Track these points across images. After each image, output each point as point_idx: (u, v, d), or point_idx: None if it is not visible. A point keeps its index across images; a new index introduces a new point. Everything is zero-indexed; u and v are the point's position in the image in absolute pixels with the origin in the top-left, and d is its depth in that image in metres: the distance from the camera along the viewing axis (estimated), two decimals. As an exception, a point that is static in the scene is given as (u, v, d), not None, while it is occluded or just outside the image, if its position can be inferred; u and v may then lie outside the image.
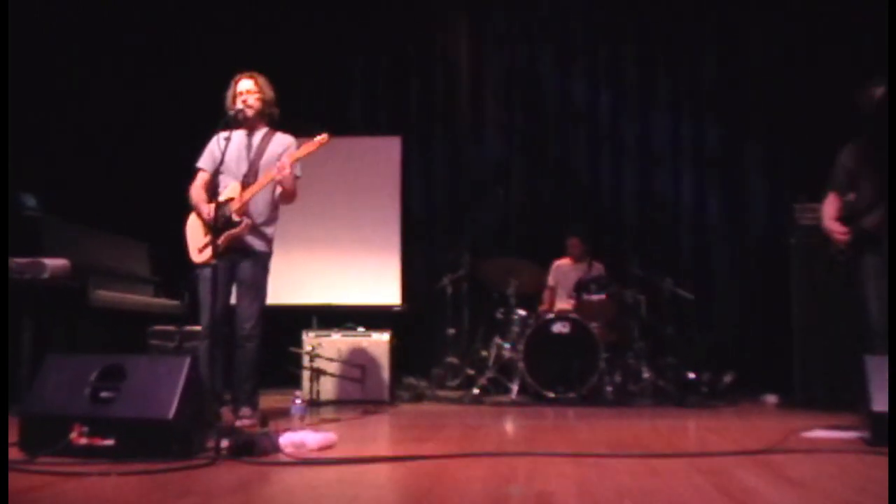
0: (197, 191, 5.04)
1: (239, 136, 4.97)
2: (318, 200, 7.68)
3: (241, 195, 4.87)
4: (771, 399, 6.80)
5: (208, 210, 4.80)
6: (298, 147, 5.01)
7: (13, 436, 3.51)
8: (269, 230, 5.06)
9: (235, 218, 4.84)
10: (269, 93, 5.09)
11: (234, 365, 4.93)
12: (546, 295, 7.65)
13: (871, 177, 4.83)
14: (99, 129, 7.33)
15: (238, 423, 4.64)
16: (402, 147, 8.14)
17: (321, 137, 4.87)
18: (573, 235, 7.59)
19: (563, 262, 7.66)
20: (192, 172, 5.12)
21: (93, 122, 7.28)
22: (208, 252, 4.69)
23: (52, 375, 3.62)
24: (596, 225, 8.11)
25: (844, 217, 4.94)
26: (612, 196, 8.54)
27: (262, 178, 4.90)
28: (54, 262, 5.47)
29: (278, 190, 5.00)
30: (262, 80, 5.08)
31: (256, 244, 4.98)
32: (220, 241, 4.77)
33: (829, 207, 5.02)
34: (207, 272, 4.67)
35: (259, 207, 4.98)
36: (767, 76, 8.26)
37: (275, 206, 5.09)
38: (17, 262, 5.44)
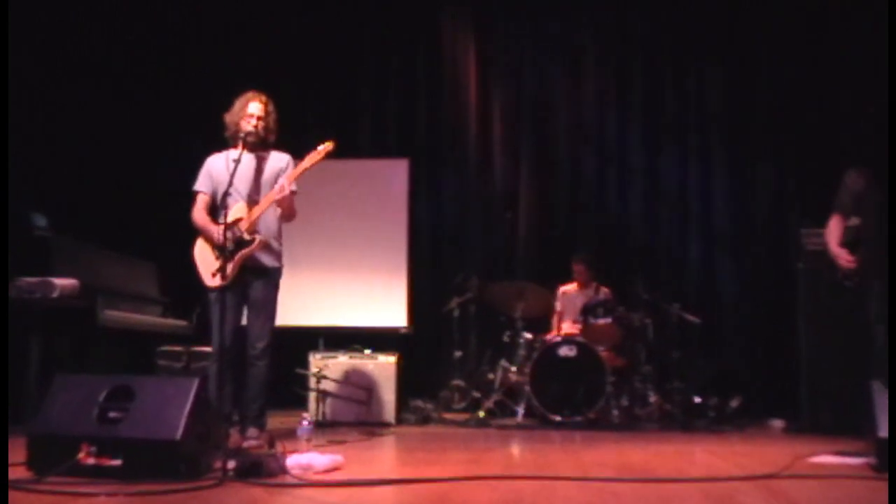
0: (200, 214, 5.05)
1: (233, 156, 4.98)
2: (325, 222, 7.71)
3: (249, 214, 4.90)
4: (777, 424, 6.78)
5: (217, 232, 4.72)
6: (295, 165, 5.06)
7: (22, 455, 3.52)
8: (277, 245, 5.09)
9: (247, 237, 4.86)
10: (274, 119, 5.13)
11: (245, 384, 4.94)
12: (553, 321, 7.63)
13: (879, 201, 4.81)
14: (110, 150, 7.37)
15: (245, 444, 4.65)
16: (410, 169, 8.15)
17: (325, 146, 4.91)
18: (579, 261, 7.58)
19: (570, 288, 7.66)
20: (191, 196, 5.13)
21: (104, 142, 7.33)
22: (228, 274, 4.64)
23: (60, 395, 3.63)
24: (603, 249, 8.10)
25: (849, 241, 4.93)
26: (619, 220, 8.54)
27: (267, 197, 4.93)
28: (63, 282, 5.50)
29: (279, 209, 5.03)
30: (270, 105, 5.12)
31: (268, 261, 5.01)
32: (235, 261, 4.81)
33: (834, 231, 5.01)
34: (223, 295, 4.68)
35: (268, 224, 5.02)
36: (774, 100, 8.28)
37: (280, 221, 5.14)
38: (26, 281, 5.47)
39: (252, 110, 5.03)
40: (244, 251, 4.86)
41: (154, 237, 7.22)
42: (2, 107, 5.85)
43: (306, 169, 4.91)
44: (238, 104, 5.08)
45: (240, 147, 4.93)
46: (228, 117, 5.07)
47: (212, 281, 4.88)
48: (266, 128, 5.07)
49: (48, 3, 6.86)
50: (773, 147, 8.28)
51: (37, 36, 6.75)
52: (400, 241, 7.96)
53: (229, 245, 4.63)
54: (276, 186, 4.89)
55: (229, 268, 4.70)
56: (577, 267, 7.58)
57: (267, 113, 5.09)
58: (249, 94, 5.10)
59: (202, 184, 5.11)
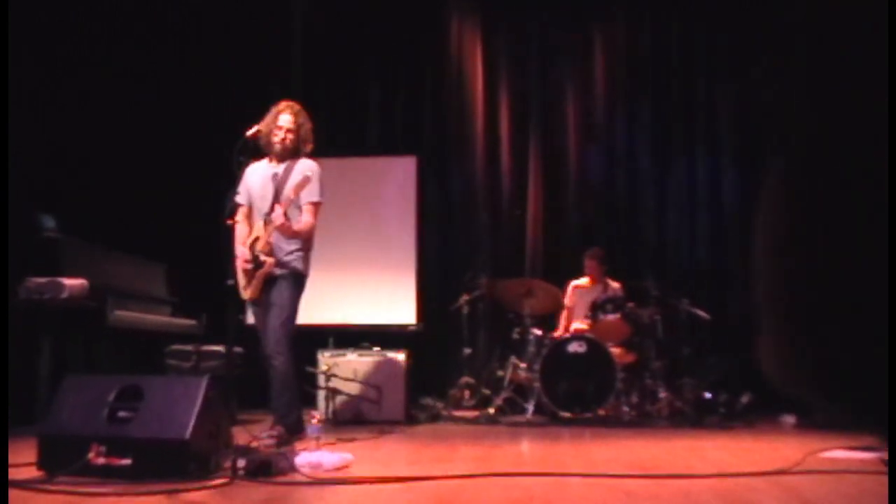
0: (238, 232, 5.13)
1: (264, 168, 5.10)
2: (334, 220, 7.67)
3: (265, 234, 4.95)
4: (789, 419, 6.75)
5: (241, 253, 5.02)
6: (316, 171, 5.08)
7: (32, 455, 3.54)
8: (296, 256, 5.09)
9: (262, 259, 4.95)
10: (307, 130, 5.15)
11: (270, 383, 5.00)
12: (562, 318, 7.60)
13: None
14: (118, 150, 7.39)
15: (264, 441, 4.64)
16: (418, 167, 8.14)
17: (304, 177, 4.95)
18: (591, 256, 7.56)
19: (581, 283, 7.64)
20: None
21: (112, 143, 7.34)
22: (249, 291, 5.03)
23: (70, 396, 3.64)
24: (613, 245, 8.08)
25: None
26: (628, 216, 8.52)
27: (271, 225, 4.95)
28: (73, 283, 5.51)
29: (298, 218, 5.06)
30: (302, 116, 5.14)
31: (278, 271, 5.03)
32: (256, 279, 4.99)
33: None
34: (252, 308, 5.17)
35: (283, 240, 5.04)
36: (784, 96, 8.23)
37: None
38: (35, 282, 5.48)
39: (281, 122, 5.07)
40: (260, 272, 4.98)
41: (163, 237, 7.22)
42: (3, 107, 5.84)
43: (292, 200, 4.93)
44: (270, 115, 5.12)
45: (272, 159, 5.12)
46: (262, 126, 5.10)
47: (244, 294, 5.09)
48: (297, 139, 5.10)
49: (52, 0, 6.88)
50: (783, 141, 8.24)
51: (44, 35, 6.75)
52: (409, 238, 7.95)
53: (250, 265, 4.98)
54: (273, 215, 4.91)
55: (253, 285, 5.01)
56: (589, 262, 7.56)
57: (298, 124, 5.10)
58: (281, 105, 5.14)
59: (240, 196, 5.15)
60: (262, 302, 5.05)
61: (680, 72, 8.59)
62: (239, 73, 8.14)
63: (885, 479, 3.58)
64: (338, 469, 3.76)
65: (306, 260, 5.16)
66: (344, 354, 6.82)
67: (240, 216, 5.15)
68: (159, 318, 6.60)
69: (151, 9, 7.79)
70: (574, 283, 7.67)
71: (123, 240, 6.64)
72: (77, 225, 6.12)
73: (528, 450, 4.97)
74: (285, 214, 4.87)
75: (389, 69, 8.90)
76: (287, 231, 4.94)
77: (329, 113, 8.66)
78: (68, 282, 5.50)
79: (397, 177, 8.10)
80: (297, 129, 5.09)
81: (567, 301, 7.60)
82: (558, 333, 7.39)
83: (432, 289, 8.15)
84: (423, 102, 8.85)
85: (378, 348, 6.87)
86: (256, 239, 5.00)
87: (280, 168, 5.09)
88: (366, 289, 7.86)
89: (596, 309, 7.04)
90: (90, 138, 7.11)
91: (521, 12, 8.86)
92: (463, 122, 8.77)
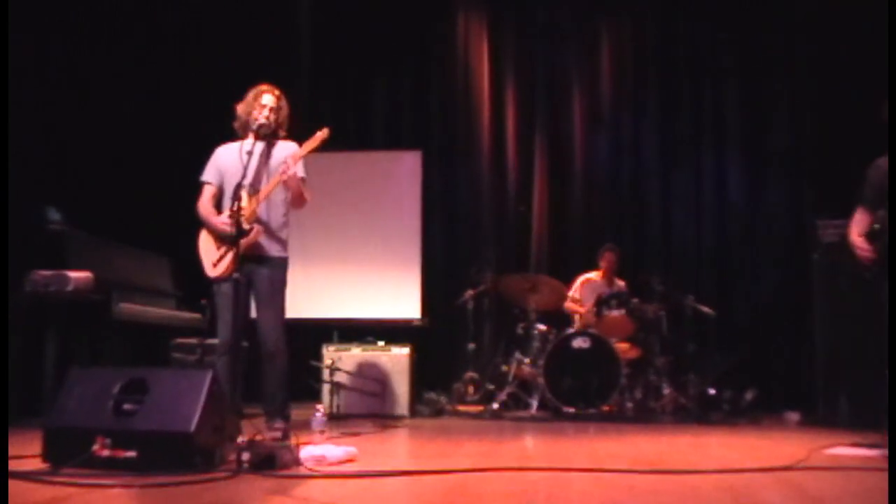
0: (205, 206, 5.03)
1: (240, 147, 4.97)
2: (338, 214, 7.71)
3: (250, 203, 4.86)
4: (793, 416, 6.74)
5: (220, 222, 4.82)
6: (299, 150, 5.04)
7: (38, 448, 3.54)
8: (284, 234, 5.04)
9: (246, 226, 4.78)
10: (285, 112, 5.12)
11: (265, 378, 4.93)
12: (572, 305, 7.56)
13: None
14: (123, 144, 7.39)
15: (270, 435, 4.63)
16: (423, 161, 8.14)
17: (322, 132, 4.87)
18: (610, 251, 7.54)
19: (593, 276, 7.61)
20: (198, 187, 5.11)
21: (117, 137, 7.35)
22: (223, 266, 4.78)
23: (75, 388, 3.65)
24: (618, 241, 8.07)
25: (870, 233, 4.87)
26: (634, 212, 8.51)
27: (271, 182, 4.89)
28: (78, 276, 5.52)
29: (288, 193, 5.00)
30: (283, 99, 5.11)
31: (271, 249, 4.95)
32: (233, 255, 4.72)
33: (858, 222, 4.94)
34: (224, 287, 4.75)
35: (273, 212, 4.97)
36: (790, 92, 8.24)
37: (287, 210, 5.07)
38: (41, 274, 5.50)
39: (265, 102, 5.03)
40: (242, 240, 4.72)
41: (168, 231, 7.22)
42: (5, 103, 5.85)
43: (303, 155, 4.85)
44: (251, 95, 5.07)
45: (251, 138, 4.91)
46: (240, 108, 5.06)
47: (213, 271, 4.90)
48: (277, 120, 5.06)
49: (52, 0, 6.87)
50: (789, 138, 8.23)
51: (47, 31, 6.76)
52: (413, 232, 7.94)
53: (233, 230, 4.60)
54: (280, 167, 4.85)
55: (229, 257, 4.71)
56: (608, 255, 7.55)
57: (279, 106, 5.08)
58: (263, 87, 5.09)
59: (209, 175, 5.09)
60: (236, 281, 4.66)
61: (686, 66, 8.57)
62: (244, 67, 8.09)
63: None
64: (342, 462, 3.77)
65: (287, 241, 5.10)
66: (348, 349, 6.83)
67: (206, 196, 5.04)
68: (164, 311, 6.61)
69: (152, 8, 7.78)
70: (585, 276, 7.64)
71: (128, 233, 6.64)
72: (82, 218, 6.12)
73: (531, 445, 4.98)
74: (284, 174, 4.80)
75: (395, 63, 8.89)
76: (295, 184, 4.87)
77: (335, 107, 8.67)
78: (74, 275, 5.51)
79: (402, 171, 8.09)
80: (278, 111, 5.05)
81: (575, 293, 7.55)
82: (586, 309, 7.34)
83: (437, 283, 8.15)
84: (428, 97, 8.85)
85: (382, 343, 6.88)
86: (240, 209, 4.65)
87: (259, 146, 4.92)
88: (370, 283, 7.85)
89: (601, 304, 7.04)
90: (95, 132, 7.11)
91: (527, 6, 8.84)
92: (469, 116, 8.76)
